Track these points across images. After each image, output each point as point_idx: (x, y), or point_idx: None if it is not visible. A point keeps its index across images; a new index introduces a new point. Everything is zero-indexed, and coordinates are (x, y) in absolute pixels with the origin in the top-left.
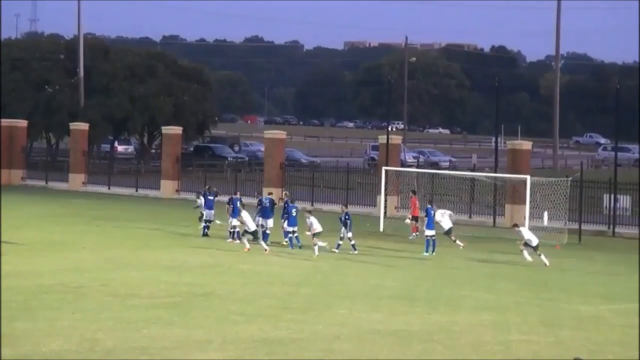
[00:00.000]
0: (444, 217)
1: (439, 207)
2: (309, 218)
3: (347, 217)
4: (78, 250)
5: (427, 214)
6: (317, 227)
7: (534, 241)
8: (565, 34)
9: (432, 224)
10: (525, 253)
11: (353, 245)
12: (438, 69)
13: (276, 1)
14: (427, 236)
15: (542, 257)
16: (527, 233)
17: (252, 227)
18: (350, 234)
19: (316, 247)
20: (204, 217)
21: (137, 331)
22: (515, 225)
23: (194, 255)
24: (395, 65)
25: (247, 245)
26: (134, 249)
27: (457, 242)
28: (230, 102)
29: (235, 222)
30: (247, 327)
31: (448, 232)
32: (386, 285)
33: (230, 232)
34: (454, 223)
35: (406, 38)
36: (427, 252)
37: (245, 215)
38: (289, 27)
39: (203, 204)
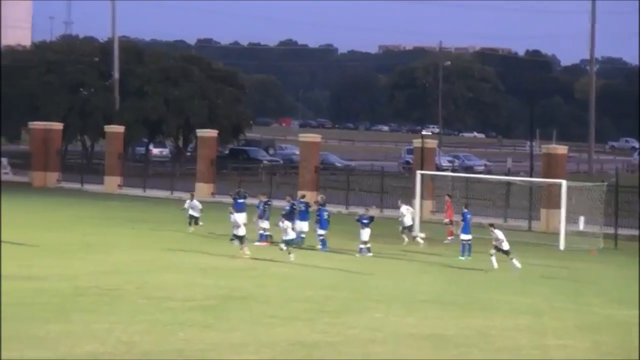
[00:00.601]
0: (408, 212)
1: (468, 211)
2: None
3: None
4: (113, 253)
5: (464, 218)
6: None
7: (506, 245)
8: (600, 38)
9: (468, 228)
10: (494, 259)
11: (368, 248)
12: (472, 73)
13: (310, 2)
14: (463, 240)
15: (514, 261)
16: (501, 235)
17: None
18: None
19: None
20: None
21: (173, 334)
22: (491, 225)
23: (229, 258)
24: (429, 68)
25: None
26: (169, 252)
27: (418, 239)
28: (265, 105)
29: (265, 224)
30: (283, 330)
31: (409, 228)
32: (421, 289)
33: (260, 235)
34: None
35: (440, 42)
36: (462, 256)
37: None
38: (323, 31)
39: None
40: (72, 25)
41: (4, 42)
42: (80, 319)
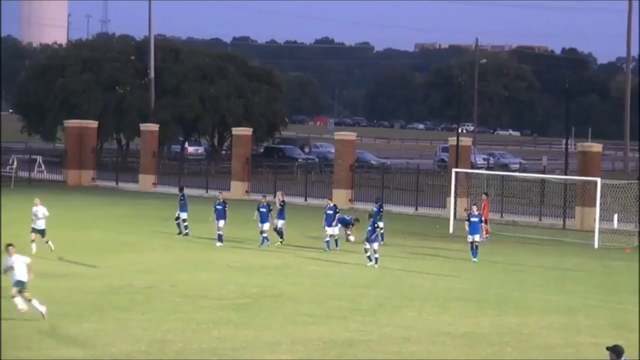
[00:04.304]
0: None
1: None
2: None
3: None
4: (148, 251)
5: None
6: None
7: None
8: (637, 36)
9: (475, 229)
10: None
11: (336, 241)
12: (508, 71)
13: (347, 2)
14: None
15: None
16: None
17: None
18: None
19: None
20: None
21: (207, 332)
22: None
23: (262, 257)
24: (465, 67)
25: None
26: (203, 250)
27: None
28: (301, 104)
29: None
30: (317, 328)
31: (41, 233)
32: (455, 287)
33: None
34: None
35: (477, 40)
36: (475, 258)
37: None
38: (360, 29)
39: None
40: (109, 24)
41: (41, 40)
42: (115, 317)
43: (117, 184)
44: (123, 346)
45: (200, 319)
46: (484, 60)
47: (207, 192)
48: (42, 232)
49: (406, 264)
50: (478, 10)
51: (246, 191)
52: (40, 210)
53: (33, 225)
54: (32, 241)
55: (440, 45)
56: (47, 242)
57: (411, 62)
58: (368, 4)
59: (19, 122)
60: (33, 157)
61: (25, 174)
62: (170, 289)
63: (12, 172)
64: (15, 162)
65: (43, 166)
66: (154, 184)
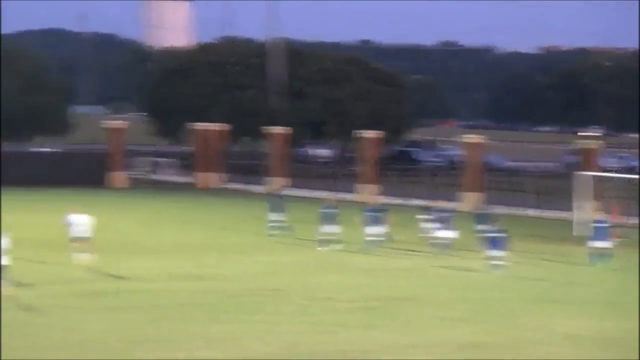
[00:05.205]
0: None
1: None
2: None
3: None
4: (277, 254)
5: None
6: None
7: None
8: None
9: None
10: None
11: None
12: (635, 73)
13: (471, 2)
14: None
15: None
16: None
17: None
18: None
19: None
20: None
21: (337, 335)
22: None
23: (390, 259)
24: (591, 69)
25: None
26: (331, 253)
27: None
28: (425, 107)
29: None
30: (451, 331)
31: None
32: (586, 290)
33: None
34: None
35: (602, 42)
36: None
37: None
38: (484, 31)
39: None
40: (231, 27)
41: (163, 44)
42: (245, 319)
43: (246, 186)
44: (252, 347)
45: (330, 321)
46: (610, 63)
47: (335, 194)
48: None
49: (534, 267)
50: (602, 11)
51: (375, 194)
52: None
53: None
54: None
55: (565, 48)
56: None
57: (536, 64)
58: (492, 4)
59: (149, 125)
60: (162, 159)
61: (157, 177)
62: (299, 291)
63: (143, 175)
64: (150, 165)
65: (172, 168)
66: (283, 186)
